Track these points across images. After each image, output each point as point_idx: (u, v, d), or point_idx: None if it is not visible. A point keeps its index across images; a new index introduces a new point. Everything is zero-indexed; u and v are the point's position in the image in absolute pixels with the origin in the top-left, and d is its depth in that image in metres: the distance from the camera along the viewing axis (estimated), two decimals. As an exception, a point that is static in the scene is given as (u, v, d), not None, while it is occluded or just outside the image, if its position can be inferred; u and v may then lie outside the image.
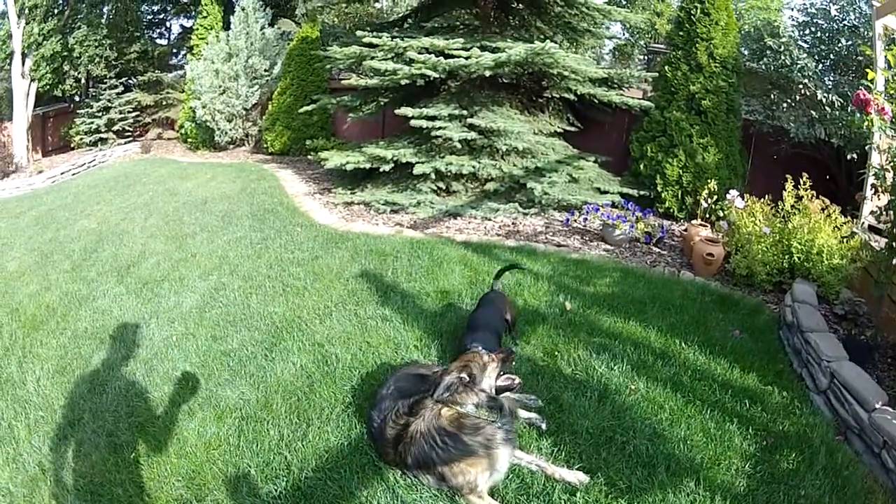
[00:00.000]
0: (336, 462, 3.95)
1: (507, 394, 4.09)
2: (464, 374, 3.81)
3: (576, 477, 3.65)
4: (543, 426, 4.12)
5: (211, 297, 7.30)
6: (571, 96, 10.39)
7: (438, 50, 9.80)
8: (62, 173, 20.34)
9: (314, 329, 6.02)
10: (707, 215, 8.15)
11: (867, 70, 5.33)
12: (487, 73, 9.47)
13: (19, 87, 22.00)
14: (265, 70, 18.44)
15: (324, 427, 4.30)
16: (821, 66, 9.34)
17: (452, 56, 9.53)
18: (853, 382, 4.16)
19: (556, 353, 5.13)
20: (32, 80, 22.42)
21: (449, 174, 9.94)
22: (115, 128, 23.24)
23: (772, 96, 9.75)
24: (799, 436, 4.09)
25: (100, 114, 22.98)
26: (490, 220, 9.55)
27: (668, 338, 5.35)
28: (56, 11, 23.14)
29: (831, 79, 9.49)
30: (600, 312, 5.91)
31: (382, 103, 11.98)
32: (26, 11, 21.46)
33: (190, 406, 5.03)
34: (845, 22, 9.31)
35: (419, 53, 9.63)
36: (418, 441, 3.63)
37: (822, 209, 6.47)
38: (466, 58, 9.30)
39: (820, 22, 9.50)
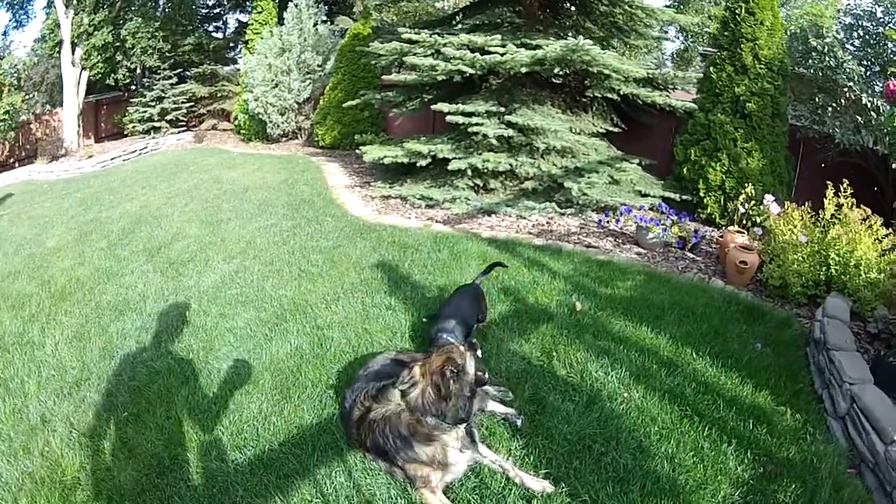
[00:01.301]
0: (302, 439, 4.10)
1: (485, 387, 4.12)
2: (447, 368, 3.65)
3: (540, 485, 3.50)
4: (519, 423, 4.03)
5: (230, 278, 7.58)
6: (615, 96, 10.03)
7: (477, 47, 9.64)
8: (112, 159, 20.77)
9: (318, 313, 6.18)
10: (744, 222, 7.74)
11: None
12: (524, 70, 9.30)
13: (69, 74, 22.43)
14: (318, 65, 18.63)
15: (301, 405, 4.48)
16: (868, 71, 8.78)
17: (489, 53, 9.34)
18: (874, 409, 3.68)
19: (554, 353, 4.95)
20: (83, 68, 22.89)
21: (486, 171, 9.78)
22: (169, 117, 23.77)
23: (817, 100, 9.24)
24: (805, 464, 3.68)
25: (153, 103, 23.53)
26: (525, 218, 9.35)
27: (679, 346, 5.04)
28: (106, 3, 23.65)
29: (879, 84, 8.94)
30: (612, 315, 5.68)
31: (426, 99, 11.85)
32: (74, 2, 21.87)
33: (185, 375, 5.29)
34: (891, 25, 8.77)
35: (457, 49, 9.49)
36: (375, 431, 3.65)
37: (863, 219, 5.99)
38: (502, 54, 9.10)
39: (867, 24, 8.96)
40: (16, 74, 22.68)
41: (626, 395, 4.30)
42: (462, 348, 3.76)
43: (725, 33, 8.87)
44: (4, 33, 27.49)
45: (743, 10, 8.61)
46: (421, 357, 3.96)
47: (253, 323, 6.18)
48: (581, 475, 3.56)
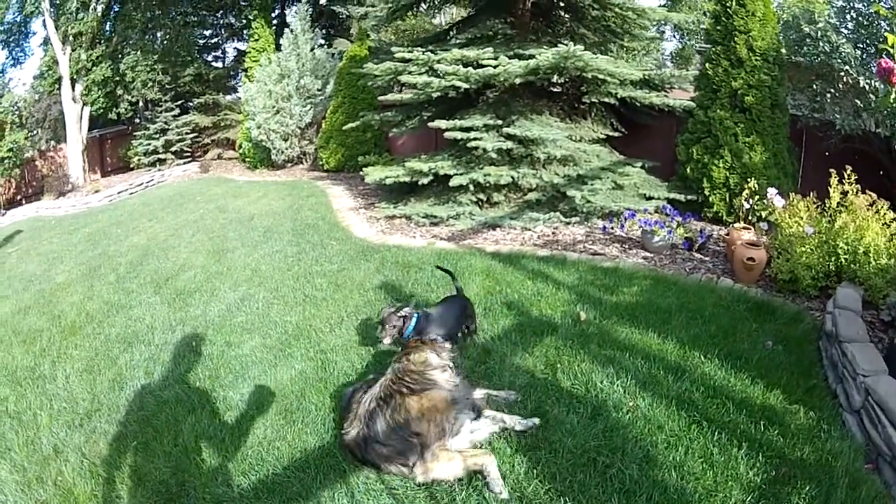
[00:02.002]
0: (305, 462, 4.12)
1: (486, 391, 4.38)
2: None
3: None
4: (518, 427, 4.05)
5: (236, 306, 7.65)
6: (613, 101, 9.99)
7: (470, 61, 9.65)
8: (119, 192, 20.97)
9: (322, 338, 6.22)
10: (750, 217, 7.59)
11: (887, 35, 4.62)
12: (518, 81, 9.33)
13: (71, 110, 22.71)
14: (318, 89, 18.71)
15: (304, 429, 4.51)
16: (864, 53, 8.65)
17: (483, 66, 9.33)
18: (889, 401, 3.52)
19: (558, 365, 4.88)
20: (84, 104, 23.15)
21: (488, 185, 9.74)
22: (174, 148, 23.99)
23: (815, 87, 9.10)
24: (819, 464, 3.56)
25: (157, 135, 23.75)
26: (530, 230, 9.29)
27: (687, 350, 4.93)
28: (103, 38, 23.90)
29: (875, 65, 8.80)
30: (618, 323, 5.60)
31: (425, 117, 11.78)
32: (70, 38, 22.17)
33: (192, 404, 5.35)
34: (882, 3, 8.63)
35: (451, 65, 9.48)
36: (384, 387, 3.98)
37: (870, 205, 5.85)
38: (495, 67, 9.11)
39: (858, 6, 8.84)
40: (17, 112, 22.84)
41: (631, 403, 4.21)
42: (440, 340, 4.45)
43: (718, 28, 8.79)
44: (2, 71, 27.72)
45: (734, 3, 8.54)
46: None
47: (258, 350, 6.23)
48: (586, 489, 3.49)
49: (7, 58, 27.47)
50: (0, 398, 6.47)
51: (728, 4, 8.60)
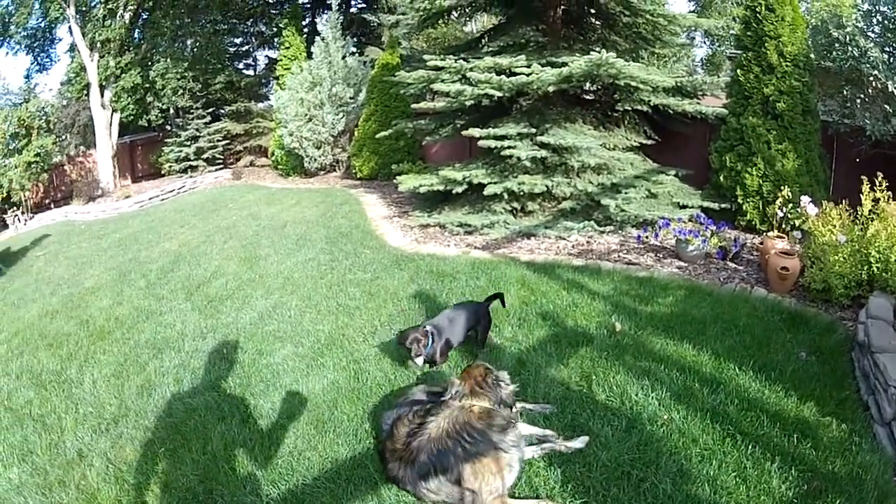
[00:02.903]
0: (336, 473, 4.15)
1: (521, 404, 4.40)
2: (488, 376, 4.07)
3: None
4: (560, 447, 3.99)
5: (268, 314, 7.69)
6: (646, 108, 10.02)
7: (503, 69, 9.63)
8: (150, 199, 21.11)
9: (355, 347, 6.24)
10: (783, 226, 7.55)
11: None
12: (551, 89, 9.28)
13: (100, 117, 22.90)
14: (350, 97, 18.74)
15: (336, 439, 4.53)
16: (892, 57, 8.55)
17: (516, 74, 9.33)
18: (920, 413, 3.50)
19: (593, 376, 4.89)
20: (114, 110, 23.31)
21: (523, 194, 9.75)
22: (205, 156, 24.13)
23: (845, 93, 8.99)
24: (850, 477, 3.56)
25: (188, 142, 23.90)
26: (564, 239, 9.27)
27: (722, 361, 4.91)
28: (132, 46, 24.03)
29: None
30: (653, 334, 5.59)
31: (458, 125, 11.83)
32: (98, 45, 22.29)
33: (222, 412, 5.39)
34: None
35: (483, 73, 9.48)
36: (439, 438, 3.75)
37: (902, 212, 5.78)
38: (528, 75, 9.09)
39: (884, 9, 8.75)
40: (44, 117, 23.02)
41: (666, 416, 4.20)
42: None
43: (749, 33, 8.77)
44: (27, 77, 28.23)
45: (763, 8, 8.51)
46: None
47: (290, 358, 6.25)
48: (620, 503, 3.51)
49: (32, 63, 27.80)
50: (24, 401, 6.55)
51: (758, 10, 8.57)
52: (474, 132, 9.87)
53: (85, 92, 23.93)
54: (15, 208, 21.06)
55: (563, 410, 4.46)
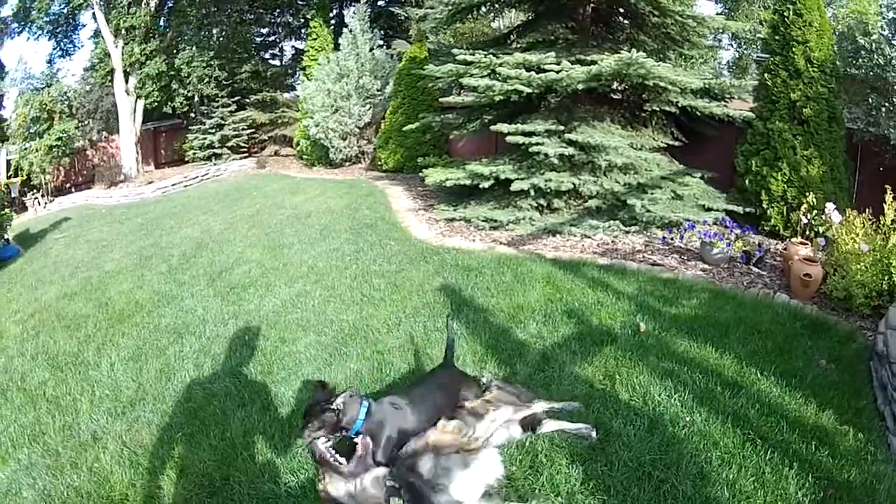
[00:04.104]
0: None
1: (548, 404, 4.33)
2: None
3: None
4: (594, 435, 4.04)
5: (291, 303, 7.70)
6: (674, 109, 10.02)
7: (532, 65, 9.68)
8: (173, 185, 21.39)
9: (379, 338, 6.24)
10: (807, 232, 7.55)
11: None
12: (581, 87, 9.28)
13: (124, 103, 23.13)
14: (377, 90, 18.88)
15: None
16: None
17: (545, 70, 9.38)
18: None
19: (617, 376, 4.90)
20: (138, 97, 23.50)
21: (549, 191, 9.80)
22: (230, 144, 24.38)
23: (870, 101, 8.97)
24: (864, 486, 3.60)
25: (213, 130, 24.16)
26: (589, 237, 9.31)
27: (744, 365, 4.93)
28: (157, 33, 24.15)
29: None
30: (677, 335, 5.60)
31: (486, 120, 11.91)
32: (123, 32, 22.47)
33: (242, 398, 5.39)
34: None
35: (513, 69, 9.53)
36: None
37: (922, 223, 5.81)
38: (558, 72, 9.14)
39: None
40: (66, 102, 23.20)
41: (688, 418, 4.23)
42: None
43: (776, 37, 8.76)
44: (50, 61, 28.12)
45: (791, 12, 8.50)
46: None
47: (313, 347, 6.26)
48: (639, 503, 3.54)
49: (55, 48, 27.94)
50: (38, 382, 6.57)
51: (786, 14, 8.57)
52: (503, 128, 9.91)
53: (109, 78, 24.11)
54: (35, 191, 21.31)
55: (587, 408, 4.45)
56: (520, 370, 5.17)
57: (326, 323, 6.84)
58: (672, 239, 8.60)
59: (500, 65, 9.78)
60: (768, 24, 9.23)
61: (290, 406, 5.14)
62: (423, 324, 6.38)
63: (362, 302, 7.34)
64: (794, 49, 8.46)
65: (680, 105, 9.95)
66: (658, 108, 10.04)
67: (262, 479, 4.16)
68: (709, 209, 9.23)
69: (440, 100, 15.21)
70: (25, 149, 21.19)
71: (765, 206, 8.65)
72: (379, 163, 17.79)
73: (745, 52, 25.75)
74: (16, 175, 21.49)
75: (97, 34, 24.79)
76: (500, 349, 5.62)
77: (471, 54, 10.19)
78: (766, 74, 8.93)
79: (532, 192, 9.89)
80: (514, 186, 9.69)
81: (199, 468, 4.41)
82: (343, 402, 3.71)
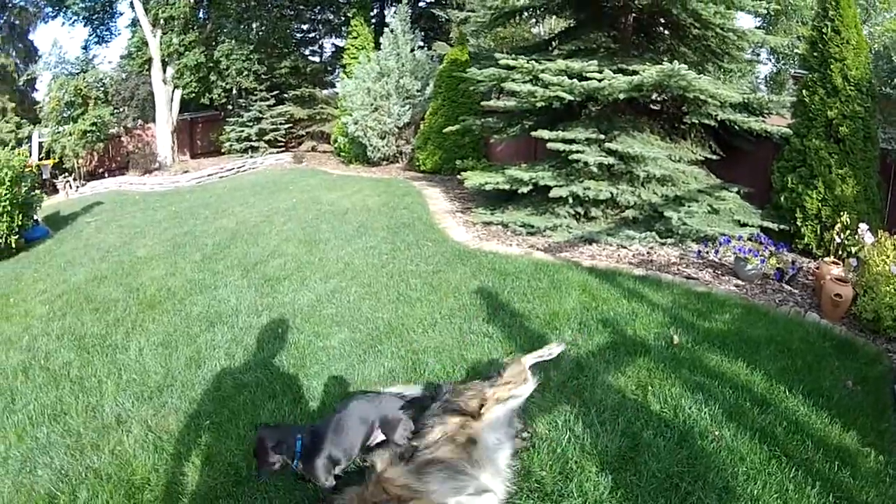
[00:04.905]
0: None
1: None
2: None
3: None
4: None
5: (326, 298, 7.74)
6: (713, 122, 10.02)
7: (574, 72, 9.74)
8: (209, 175, 21.56)
9: (414, 338, 6.28)
10: (839, 252, 7.60)
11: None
12: (622, 96, 9.35)
13: (161, 92, 23.28)
14: (417, 90, 18.95)
15: None
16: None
17: (587, 79, 9.44)
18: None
19: (649, 387, 4.97)
20: (176, 87, 23.66)
21: (587, 199, 9.88)
22: (267, 137, 24.53)
23: (903, 121, 8.96)
24: None
25: (251, 123, 24.38)
26: (625, 247, 9.39)
27: (773, 383, 4.99)
28: (196, 24, 24.34)
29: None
30: (710, 349, 5.65)
31: (526, 126, 11.99)
32: (161, 22, 22.59)
33: (273, 390, 5.42)
34: None
35: (555, 75, 9.61)
36: None
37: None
38: (600, 80, 9.21)
39: None
40: (102, 88, 23.49)
41: (717, 433, 4.27)
42: None
43: (815, 54, 8.74)
44: (85, 48, 28.46)
45: (829, 29, 8.47)
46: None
47: (347, 343, 6.29)
48: None
49: (91, 35, 28.37)
50: (63, 362, 6.61)
51: (824, 31, 8.54)
52: (544, 134, 10.03)
53: (146, 67, 24.40)
54: (67, 174, 21.53)
55: (617, 417, 4.49)
56: (553, 377, 5.17)
57: (361, 320, 6.89)
58: (707, 253, 8.62)
59: (543, 71, 9.83)
60: (807, 40, 9.20)
61: (321, 400, 5.20)
62: (459, 326, 6.43)
63: (398, 301, 7.40)
64: (831, 66, 8.45)
65: (719, 118, 9.94)
66: (697, 121, 10.02)
67: (289, 472, 4.09)
68: (744, 225, 9.21)
69: (482, 104, 15.36)
70: (58, 132, 21.39)
71: (799, 224, 8.64)
72: (417, 163, 17.88)
73: (783, 66, 25.58)
74: (47, 158, 21.75)
75: (135, 23, 25.05)
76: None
77: (513, 59, 10.26)
78: (804, 91, 8.88)
79: (570, 200, 9.98)
80: (553, 193, 9.78)
81: (226, 457, 4.47)
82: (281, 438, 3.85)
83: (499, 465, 3.73)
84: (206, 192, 18.41)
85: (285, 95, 25.90)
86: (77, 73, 24.19)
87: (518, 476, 3.91)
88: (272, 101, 25.11)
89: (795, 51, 22.13)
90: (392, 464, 3.62)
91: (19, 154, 13.74)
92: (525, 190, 10.45)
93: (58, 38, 54.97)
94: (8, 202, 12.59)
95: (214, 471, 4.32)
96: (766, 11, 11.97)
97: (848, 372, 5.29)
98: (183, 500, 4.10)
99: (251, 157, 24.38)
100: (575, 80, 9.41)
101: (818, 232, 8.49)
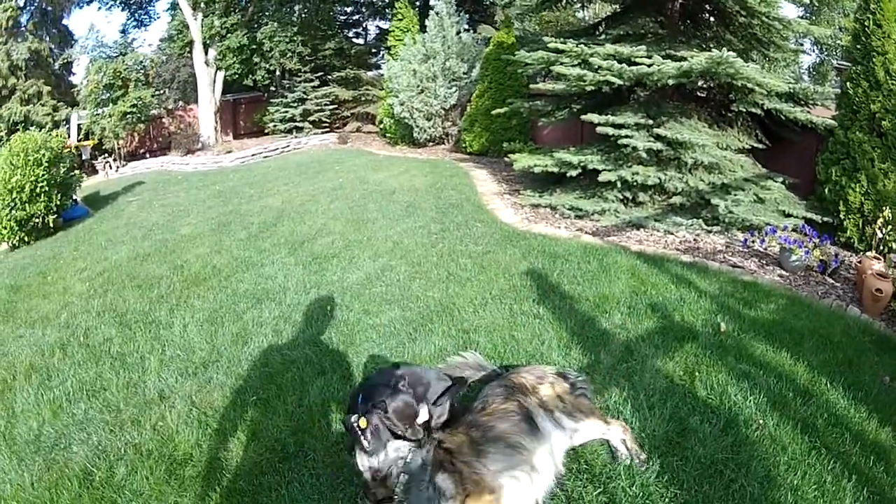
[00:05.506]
0: None
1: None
2: None
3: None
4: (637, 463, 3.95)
5: (376, 276, 7.90)
6: (759, 111, 10.07)
7: (623, 57, 9.86)
8: (252, 155, 21.87)
9: (465, 317, 6.36)
10: (881, 247, 7.64)
11: None
12: (671, 82, 9.46)
13: (203, 74, 23.76)
14: (464, 73, 19.11)
15: None
16: None
17: (636, 64, 9.58)
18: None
19: (696, 373, 5.03)
20: (218, 68, 24.06)
21: (635, 184, 10.01)
22: (311, 118, 24.89)
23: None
24: None
25: (295, 104, 24.71)
26: (672, 234, 9.50)
27: (815, 375, 4.99)
28: (238, 7, 24.59)
29: None
30: (755, 338, 5.68)
31: (574, 110, 12.18)
32: (202, 5, 22.96)
33: (322, 366, 5.51)
34: None
35: (604, 60, 9.75)
36: None
37: None
38: (649, 65, 9.33)
39: None
40: (142, 70, 24.07)
41: (761, 421, 4.30)
42: None
43: (858, 47, 8.73)
44: (124, 31, 29.16)
45: (871, 23, 8.46)
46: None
47: (397, 321, 6.37)
48: (709, 500, 3.61)
49: (129, 19, 29.45)
50: (103, 339, 6.71)
51: (866, 24, 8.54)
52: (593, 118, 10.11)
53: (187, 49, 24.90)
54: (107, 155, 22.15)
55: (665, 402, 4.54)
56: (603, 359, 5.27)
57: (412, 298, 6.99)
58: (752, 242, 8.66)
59: (592, 55, 9.96)
60: (850, 32, 9.20)
61: None
62: (510, 306, 6.53)
63: (448, 280, 7.51)
64: (874, 59, 8.44)
65: (765, 108, 9.98)
66: (744, 109, 10.07)
67: (338, 449, 4.23)
68: (788, 215, 9.23)
69: (531, 87, 15.45)
70: (97, 114, 21.92)
71: (842, 217, 8.63)
72: (463, 145, 18.00)
73: (826, 57, 25.32)
74: (87, 139, 22.31)
75: (174, 6, 25.65)
76: (585, 337, 5.73)
77: (562, 42, 10.40)
78: (847, 83, 8.87)
79: (618, 185, 10.08)
80: (602, 177, 9.92)
81: (273, 433, 4.52)
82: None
83: (553, 445, 3.79)
84: (250, 172, 18.70)
85: (329, 77, 26.16)
86: (116, 57, 24.73)
87: (567, 457, 3.95)
88: (316, 83, 25.39)
89: (838, 42, 21.92)
90: (452, 435, 3.70)
91: (57, 136, 14.13)
92: (574, 173, 10.60)
93: (94, 22, 55.65)
94: (45, 183, 13.05)
95: (260, 446, 4.40)
96: (808, 1, 11.80)
97: (886, 368, 5.29)
98: (227, 476, 4.14)
99: (295, 137, 24.69)
100: (624, 65, 9.54)
101: (860, 226, 8.49)
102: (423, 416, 3.78)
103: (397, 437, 3.50)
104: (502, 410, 3.87)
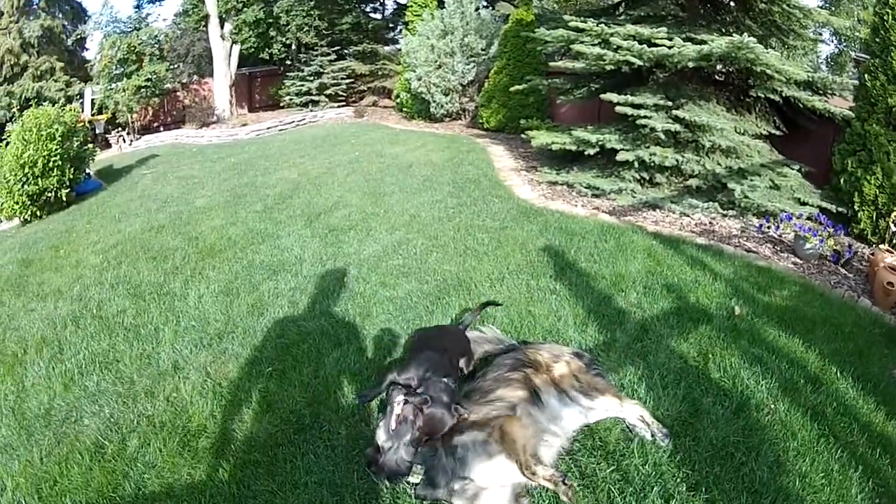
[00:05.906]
0: None
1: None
2: None
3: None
4: (665, 442, 4.00)
5: (392, 249, 7.93)
6: (777, 98, 10.12)
7: (644, 38, 9.88)
8: (268, 128, 21.90)
9: (481, 291, 6.39)
10: (893, 241, 7.68)
11: None
12: (691, 65, 9.46)
13: (218, 48, 23.70)
14: (482, 49, 19.04)
15: None
16: None
17: (656, 45, 9.59)
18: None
19: (710, 355, 5.05)
20: (234, 42, 24.08)
21: (653, 165, 10.06)
22: (328, 92, 24.93)
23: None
24: None
25: (311, 78, 24.74)
26: (688, 216, 9.55)
27: (826, 363, 4.99)
28: None
29: None
30: (768, 323, 5.70)
31: (593, 89, 12.23)
32: None
33: (339, 338, 5.54)
34: None
35: (624, 40, 9.78)
36: None
37: None
38: (669, 47, 9.34)
39: None
40: (157, 44, 24.24)
41: (772, 406, 4.34)
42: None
43: (876, 39, 8.66)
44: (138, 6, 29.09)
45: (890, 17, 8.41)
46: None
47: (414, 294, 6.39)
48: (720, 482, 3.62)
49: None
50: (117, 310, 6.70)
51: (885, 17, 8.49)
52: (612, 97, 10.18)
53: (202, 23, 24.98)
54: (120, 129, 22.22)
55: (679, 382, 4.58)
56: (619, 338, 5.32)
57: (428, 272, 7.01)
58: (767, 228, 8.69)
59: (612, 35, 9.97)
60: (869, 25, 9.12)
61: (389, 351, 5.24)
62: (527, 282, 6.57)
63: (465, 254, 7.54)
64: (892, 54, 8.39)
65: (784, 94, 10.01)
66: (763, 95, 10.12)
67: (354, 420, 4.27)
68: (804, 203, 9.23)
69: (551, 64, 15.43)
70: (111, 89, 22.00)
71: (856, 208, 8.63)
72: (480, 121, 18.02)
73: (844, 48, 25.23)
74: (100, 113, 22.36)
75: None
76: (601, 314, 5.77)
77: (582, 21, 10.41)
78: (866, 75, 8.83)
79: (636, 165, 10.15)
80: (620, 157, 9.98)
81: (288, 405, 4.54)
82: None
83: (561, 415, 3.98)
84: (265, 145, 18.69)
85: (346, 51, 26.23)
86: (130, 31, 24.72)
87: (582, 434, 4.03)
88: (333, 57, 25.48)
89: (857, 33, 21.85)
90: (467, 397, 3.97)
91: (70, 110, 14.21)
92: (591, 152, 10.64)
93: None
94: (59, 157, 13.09)
95: (275, 417, 4.42)
96: (828, -9, 11.83)
97: (895, 361, 5.30)
98: (241, 447, 4.15)
99: (311, 110, 24.71)
100: (644, 46, 9.55)
101: (874, 218, 8.49)
102: (448, 425, 3.72)
103: (413, 442, 3.55)
104: (505, 378, 4.10)
